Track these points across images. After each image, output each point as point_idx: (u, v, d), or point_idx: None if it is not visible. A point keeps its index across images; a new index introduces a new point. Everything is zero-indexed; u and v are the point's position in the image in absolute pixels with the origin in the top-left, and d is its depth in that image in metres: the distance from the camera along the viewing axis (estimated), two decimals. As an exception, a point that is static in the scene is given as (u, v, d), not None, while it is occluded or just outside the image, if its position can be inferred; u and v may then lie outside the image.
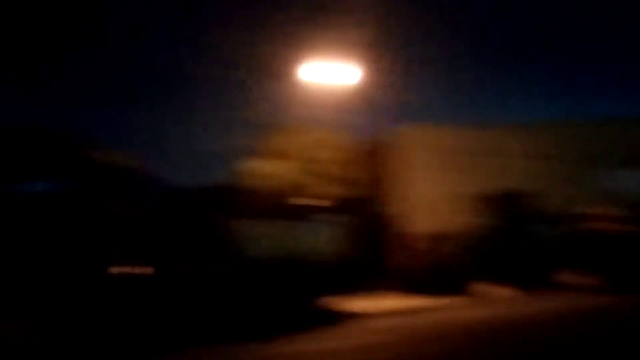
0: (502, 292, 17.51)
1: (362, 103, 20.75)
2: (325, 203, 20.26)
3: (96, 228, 11.80)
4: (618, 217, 18.67)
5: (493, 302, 16.41)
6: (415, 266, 18.44)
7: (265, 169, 20.86)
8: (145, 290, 11.67)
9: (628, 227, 18.32)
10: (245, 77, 21.51)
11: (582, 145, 23.94)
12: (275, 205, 19.79)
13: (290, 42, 19.62)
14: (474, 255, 18.48)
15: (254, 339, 11.60)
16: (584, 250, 18.59)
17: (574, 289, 17.45)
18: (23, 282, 10.84)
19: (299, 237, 18.08)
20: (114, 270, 11.62)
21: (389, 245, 20.31)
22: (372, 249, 20.07)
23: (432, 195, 21.82)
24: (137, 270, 11.76)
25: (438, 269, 17.93)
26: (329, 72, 19.48)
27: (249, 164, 21.08)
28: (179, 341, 11.23)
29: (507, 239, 18.88)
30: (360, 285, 17.88)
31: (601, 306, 14.95)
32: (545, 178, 22.43)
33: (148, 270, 11.90)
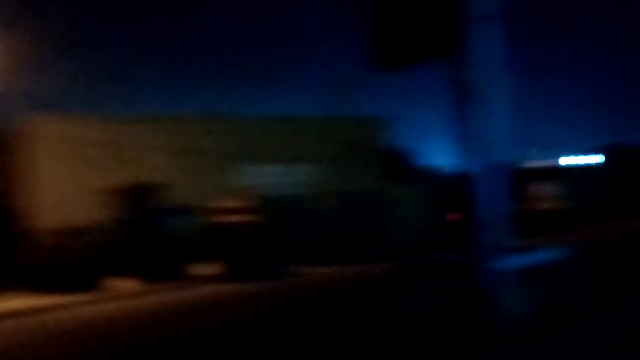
0: (130, 286, 17.65)
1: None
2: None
3: None
4: (244, 209, 20.01)
5: (119, 296, 16.48)
6: (41, 263, 17.67)
7: None
8: None
9: (252, 219, 19.78)
10: None
11: (217, 140, 25.11)
12: None
13: None
14: (104, 250, 18.33)
15: None
16: (212, 241, 19.62)
17: (202, 279, 18.34)
18: None
19: None
20: None
21: (15, 242, 19.15)
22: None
23: (62, 188, 21.05)
24: None
25: (65, 265, 17.42)
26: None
27: None
28: None
29: (137, 232, 19.03)
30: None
31: (224, 294, 15.99)
32: (180, 171, 23.07)
33: None
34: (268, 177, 25.39)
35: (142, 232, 18.92)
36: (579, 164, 39.78)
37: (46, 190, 20.95)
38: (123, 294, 16.72)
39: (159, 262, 18.48)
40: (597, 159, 46.99)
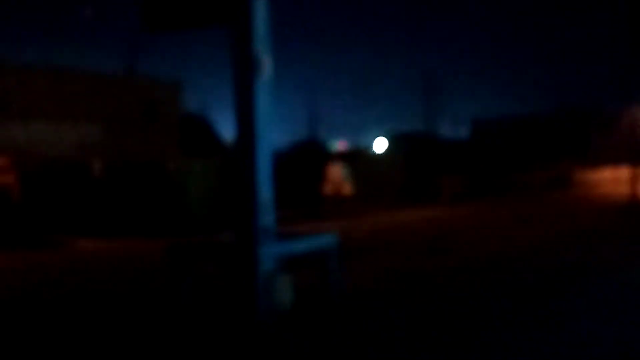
0: None
1: None
2: None
3: None
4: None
5: None
6: None
7: None
8: None
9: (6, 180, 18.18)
10: None
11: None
12: None
13: None
14: None
15: None
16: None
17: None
18: None
19: None
20: None
21: None
22: None
23: None
24: None
25: None
26: None
27: None
28: None
29: None
30: None
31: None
32: None
33: None
34: (35, 135, 23.62)
35: None
36: (369, 149, 41.58)
37: None
38: None
39: None
40: (385, 145, 49.53)
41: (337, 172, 28.52)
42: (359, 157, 31.60)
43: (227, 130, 44.71)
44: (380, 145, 50.79)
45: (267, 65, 7.30)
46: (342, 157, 31.44)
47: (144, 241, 17.65)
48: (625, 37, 26.23)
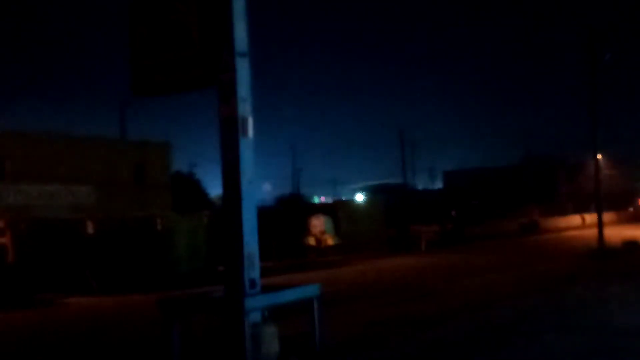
0: None
1: None
2: None
3: None
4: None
5: None
6: None
7: None
8: None
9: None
10: None
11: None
12: None
13: None
14: None
15: None
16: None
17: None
18: None
19: None
20: None
21: None
22: None
23: None
24: None
25: None
26: None
27: None
28: None
29: None
30: None
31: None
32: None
33: None
34: (29, 197, 23.39)
35: None
36: (350, 202, 41.58)
37: None
38: None
39: None
40: (364, 197, 49.58)
41: (319, 224, 28.38)
42: (340, 210, 31.47)
43: (214, 187, 44.63)
44: (360, 197, 50.80)
45: (250, 124, 7.27)
46: (324, 209, 31.30)
47: (134, 297, 17.29)
48: (588, 87, 26.36)
